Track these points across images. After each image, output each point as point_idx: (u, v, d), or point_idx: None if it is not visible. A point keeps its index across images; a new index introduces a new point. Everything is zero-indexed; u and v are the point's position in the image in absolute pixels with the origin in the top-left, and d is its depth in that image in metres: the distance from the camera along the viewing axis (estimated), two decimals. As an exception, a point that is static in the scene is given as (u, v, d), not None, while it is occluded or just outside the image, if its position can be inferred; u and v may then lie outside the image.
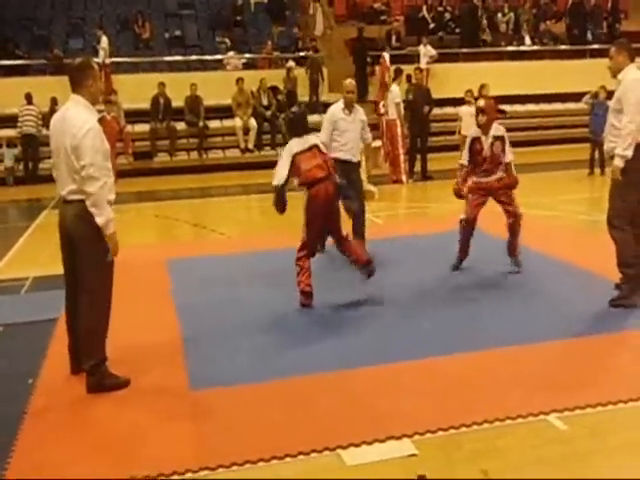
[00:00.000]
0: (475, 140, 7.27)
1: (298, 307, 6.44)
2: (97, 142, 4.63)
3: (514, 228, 7.27)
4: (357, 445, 3.98)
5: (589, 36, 21.89)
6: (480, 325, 5.87)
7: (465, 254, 7.46)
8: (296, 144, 6.51)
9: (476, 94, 14.97)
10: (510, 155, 7.30)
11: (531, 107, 19.58)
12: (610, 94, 14.27)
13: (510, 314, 6.12)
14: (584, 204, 11.67)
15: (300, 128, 6.63)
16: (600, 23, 22.69)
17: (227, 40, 19.40)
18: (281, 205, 6.52)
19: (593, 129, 14.14)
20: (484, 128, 7.22)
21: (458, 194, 7.37)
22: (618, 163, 5.96)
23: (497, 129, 7.28)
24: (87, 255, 4.73)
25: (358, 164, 8.23)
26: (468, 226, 7.30)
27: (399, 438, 4.05)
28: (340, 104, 8.12)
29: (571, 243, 8.46)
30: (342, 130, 7.93)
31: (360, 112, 8.22)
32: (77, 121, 4.63)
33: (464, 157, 7.40)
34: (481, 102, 7.45)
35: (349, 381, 4.88)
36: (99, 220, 4.61)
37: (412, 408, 4.43)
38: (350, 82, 8.19)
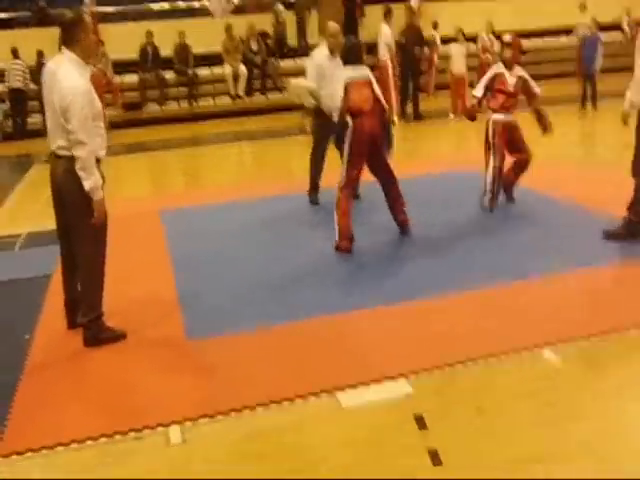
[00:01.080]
0: (498, 75, 7.27)
1: (293, 252, 6.44)
2: (86, 107, 4.49)
3: (523, 166, 7.35)
4: (354, 387, 4.02)
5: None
6: (470, 265, 5.86)
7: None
8: (351, 71, 6.48)
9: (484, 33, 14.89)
10: (537, 88, 7.36)
11: (524, 43, 19.26)
12: (601, 27, 14.17)
13: (498, 252, 6.13)
14: (577, 138, 11.60)
15: (355, 57, 6.57)
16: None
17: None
18: (342, 118, 6.38)
19: (584, 63, 14.10)
20: (509, 63, 7.24)
21: (470, 115, 7.45)
22: (626, 107, 5.86)
23: (520, 69, 7.31)
24: (78, 211, 4.67)
25: None
26: (501, 172, 7.30)
27: (395, 378, 4.08)
28: (324, 49, 7.79)
29: (566, 178, 8.41)
30: (326, 76, 7.44)
31: None
32: (66, 82, 4.48)
33: (478, 90, 7.37)
34: (507, 36, 7.44)
35: (345, 324, 4.91)
36: (86, 184, 4.55)
37: (407, 349, 4.46)
38: (333, 25, 7.86)
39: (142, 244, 7.11)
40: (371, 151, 6.46)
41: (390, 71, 14.06)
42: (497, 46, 15.01)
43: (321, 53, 7.79)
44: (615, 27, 19.46)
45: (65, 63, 4.58)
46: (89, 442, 3.69)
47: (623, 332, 4.47)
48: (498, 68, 7.31)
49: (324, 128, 7.52)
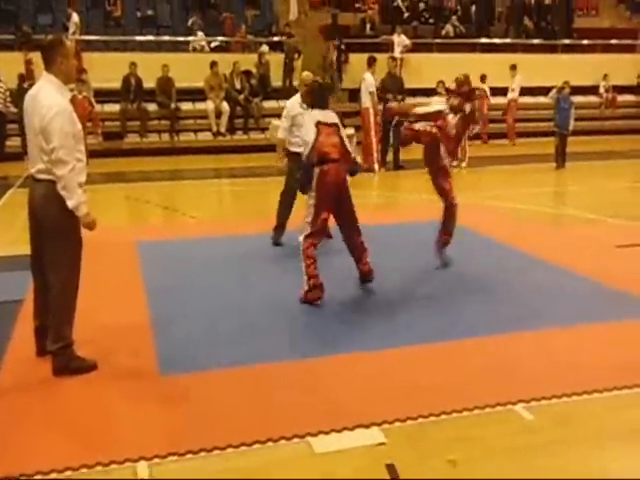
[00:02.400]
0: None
1: (268, 292, 6.42)
2: (66, 125, 4.52)
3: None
4: (326, 433, 3.98)
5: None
6: (449, 316, 5.88)
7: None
8: (319, 114, 6.43)
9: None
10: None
11: (501, 100, 19.69)
12: (574, 89, 14.60)
13: (477, 305, 6.15)
14: (549, 197, 11.79)
15: (324, 100, 6.58)
16: (559, 19, 22.86)
17: (199, 22, 19.18)
18: (308, 182, 6.34)
19: (559, 122, 14.63)
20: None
21: None
22: None
23: None
24: (54, 236, 4.66)
25: None
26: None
27: (368, 426, 4.05)
28: (298, 97, 7.92)
29: (536, 236, 8.52)
30: (300, 125, 7.38)
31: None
32: (46, 102, 4.52)
33: None
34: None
35: (319, 369, 4.88)
36: (70, 203, 4.54)
37: (381, 397, 4.44)
38: (307, 75, 7.95)
39: (117, 274, 7.05)
40: (337, 199, 6.37)
41: (372, 118, 14.24)
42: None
43: (295, 102, 7.91)
44: (592, 90, 19.95)
45: (45, 85, 4.64)
46: (53, 475, 3.62)
47: (595, 393, 4.49)
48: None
49: (297, 172, 7.45)
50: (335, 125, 6.44)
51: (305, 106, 7.50)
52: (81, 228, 4.73)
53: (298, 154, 7.49)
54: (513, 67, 18.42)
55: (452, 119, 7.15)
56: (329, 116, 6.47)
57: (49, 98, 4.55)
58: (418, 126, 7.13)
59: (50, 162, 4.51)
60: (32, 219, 4.78)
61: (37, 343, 5.00)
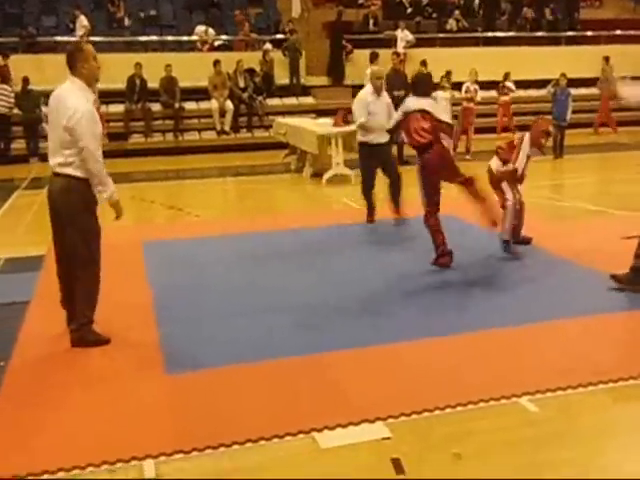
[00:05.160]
0: None
1: (272, 290, 6.44)
2: (92, 125, 4.96)
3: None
4: (331, 428, 4.00)
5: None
6: (452, 310, 5.89)
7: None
8: (411, 101, 7.05)
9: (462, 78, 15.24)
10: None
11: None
12: (579, 81, 14.64)
13: (481, 298, 6.15)
14: (552, 189, 11.76)
15: (420, 89, 7.17)
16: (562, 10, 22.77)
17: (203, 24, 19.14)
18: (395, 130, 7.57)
19: (556, 115, 14.75)
20: None
21: None
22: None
23: None
24: (75, 227, 5.01)
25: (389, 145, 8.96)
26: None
27: (373, 421, 4.07)
28: (368, 88, 8.95)
29: (539, 228, 8.49)
30: (374, 112, 8.65)
31: (385, 96, 9.01)
32: (71, 103, 4.92)
33: None
34: (508, 83, 7.88)
35: (324, 365, 4.89)
36: (106, 194, 5.06)
37: (386, 392, 4.45)
38: (379, 69, 9.58)
39: (123, 273, 7.05)
40: (440, 174, 6.94)
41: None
42: (480, 94, 15.41)
43: (367, 92, 8.93)
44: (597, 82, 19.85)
45: (70, 86, 5.08)
46: (61, 473, 3.64)
47: (600, 384, 4.49)
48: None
49: (368, 159, 8.82)
50: (425, 111, 6.89)
51: (376, 95, 8.80)
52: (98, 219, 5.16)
53: (364, 143, 8.77)
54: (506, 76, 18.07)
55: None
56: (420, 104, 6.96)
57: (73, 98, 4.97)
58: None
59: (82, 159, 4.92)
60: (52, 212, 5.12)
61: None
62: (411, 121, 6.94)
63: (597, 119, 18.88)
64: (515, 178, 7.24)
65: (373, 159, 8.79)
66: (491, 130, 16.89)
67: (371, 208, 8.98)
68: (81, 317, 5.17)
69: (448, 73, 14.95)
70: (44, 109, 5.42)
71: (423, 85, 7.33)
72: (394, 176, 8.81)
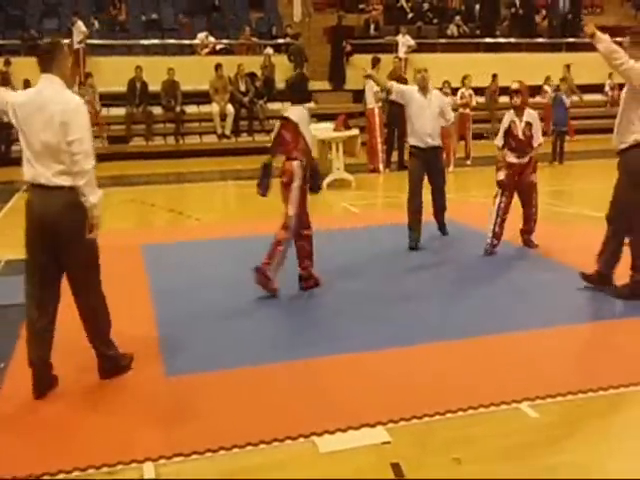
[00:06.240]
0: (512, 123, 7.58)
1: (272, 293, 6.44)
2: (85, 117, 4.39)
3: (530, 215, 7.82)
4: (331, 432, 4.00)
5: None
6: (453, 315, 5.89)
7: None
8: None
9: (460, 85, 15.24)
10: (541, 139, 7.68)
11: (506, 99, 19.65)
12: (580, 87, 14.69)
13: (481, 303, 6.15)
14: (553, 195, 11.75)
15: (296, 95, 6.56)
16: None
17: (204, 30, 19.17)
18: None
19: (556, 120, 14.94)
20: (519, 110, 7.56)
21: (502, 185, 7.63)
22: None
23: (529, 114, 7.63)
24: (83, 250, 4.43)
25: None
26: (506, 209, 7.62)
27: (373, 426, 4.06)
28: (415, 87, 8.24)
29: (541, 234, 8.48)
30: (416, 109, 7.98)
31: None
32: (62, 97, 4.35)
33: (499, 139, 7.68)
34: (515, 84, 7.72)
35: (324, 369, 4.89)
36: (92, 198, 4.32)
37: (386, 396, 4.45)
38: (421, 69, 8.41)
39: (123, 277, 7.04)
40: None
41: (377, 119, 14.23)
42: (474, 99, 15.40)
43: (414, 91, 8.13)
44: (598, 88, 19.88)
45: (50, 85, 4.40)
46: (61, 475, 3.65)
47: (600, 391, 4.49)
48: (511, 116, 7.61)
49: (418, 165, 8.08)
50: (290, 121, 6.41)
51: (422, 94, 8.03)
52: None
53: (415, 147, 8.05)
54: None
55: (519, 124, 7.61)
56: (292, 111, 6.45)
57: (64, 93, 4.39)
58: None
59: (72, 159, 4.26)
60: (45, 234, 4.38)
61: (36, 381, 4.53)
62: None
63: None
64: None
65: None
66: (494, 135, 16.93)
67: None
68: (109, 343, 4.74)
69: (445, 83, 14.92)
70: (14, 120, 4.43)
71: (299, 90, 6.58)
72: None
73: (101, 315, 4.71)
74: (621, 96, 6.14)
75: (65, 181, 4.32)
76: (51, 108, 4.29)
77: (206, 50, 18.71)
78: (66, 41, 5.61)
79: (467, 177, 13.75)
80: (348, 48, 18.73)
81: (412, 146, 8.10)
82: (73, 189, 4.31)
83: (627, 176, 5.91)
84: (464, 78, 15.34)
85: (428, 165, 8.03)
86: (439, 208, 8.40)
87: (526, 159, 7.60)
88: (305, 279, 6.52)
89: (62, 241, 4.37)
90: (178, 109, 17.03)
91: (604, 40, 5.68)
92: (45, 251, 4.43)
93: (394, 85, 8.30)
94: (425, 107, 7.97)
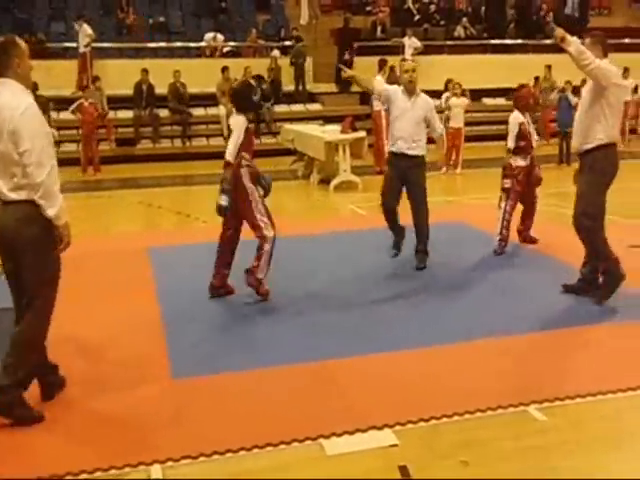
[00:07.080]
0: (522, 125, 7.66)
1: (279, 295, 6.43)
2: (36, 124, 4.03)
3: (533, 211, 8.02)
4: (338, 435, 4.00)
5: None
6: (461, 317, 5.88)
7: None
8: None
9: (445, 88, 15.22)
10: (537, 137, 7.96)
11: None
12: (575, 89, 14.73)
13: (488, 306, 6.14)
14: (559, 197, 11.70)
15: (239, 103, 6.51)
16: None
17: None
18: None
19: (560, 122, 14.90)
20: (523, 110, 7.75)
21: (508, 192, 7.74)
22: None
23: (526, 114, 7.82)
24: (35, 264, 4.10)
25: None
26: (512, 211, 7.76)
27: (380, 428, 4.06)
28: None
29: (546, 235, 8.46)
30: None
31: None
32: (12, 103, 4.00)
33: (511, 142, 7.70)
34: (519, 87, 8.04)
35: (331, 371, 4.88)
36: (50, 211, 4.00)
37: (393, 399, 4.45)
38: (410, 64, 7.88)
39: (130, 280, 7.07)
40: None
41: (383, 121, 14.21)
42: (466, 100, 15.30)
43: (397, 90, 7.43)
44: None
45: (5, 90, 4.08)
46: (69, 477, 3.65)
47: (608, 394, 4.47)
48: (520, 117, 7.69)
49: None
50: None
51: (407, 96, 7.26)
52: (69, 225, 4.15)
53: (391, 153, 7.41)
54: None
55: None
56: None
57: (13, 100, 4.02)
58: None
59: (23, 170, 3.97)
60: (5, 247, 4.15)
61: (43, 385, 4.46)
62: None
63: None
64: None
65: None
66: (494, 138, 16.89)
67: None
68: (12, 372, 4.10)
69: (449, 81, 14.88)
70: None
71: (242, 99, 6.50)
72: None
73: (28, 347, 4.24)
74: (581, 97, 6.20)
75: (20, 195, 4.05)
76: (3, 115, 4.01)
77: (214, 51, 18.69)
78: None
79: (476, 178, 13.72)
80: (346, 56, 18.69)
81: (389, 152, 7.49)
82: (29, 202, 4.02)
83: (594, 176, 5.86)
84: (448, 82, 15.16)
85: (404, 176, 7.18)
86: (418, 230, 7.25)
87: (529, 159, 7.76)
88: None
89: (17, 255, 4.12)
90: (185, 111, 17.01)
91: (573, 42, 5.72)
92: (9, 261, 4.22)
93: (376, 85, 7.90)
94: (407, 110, 7.15)
